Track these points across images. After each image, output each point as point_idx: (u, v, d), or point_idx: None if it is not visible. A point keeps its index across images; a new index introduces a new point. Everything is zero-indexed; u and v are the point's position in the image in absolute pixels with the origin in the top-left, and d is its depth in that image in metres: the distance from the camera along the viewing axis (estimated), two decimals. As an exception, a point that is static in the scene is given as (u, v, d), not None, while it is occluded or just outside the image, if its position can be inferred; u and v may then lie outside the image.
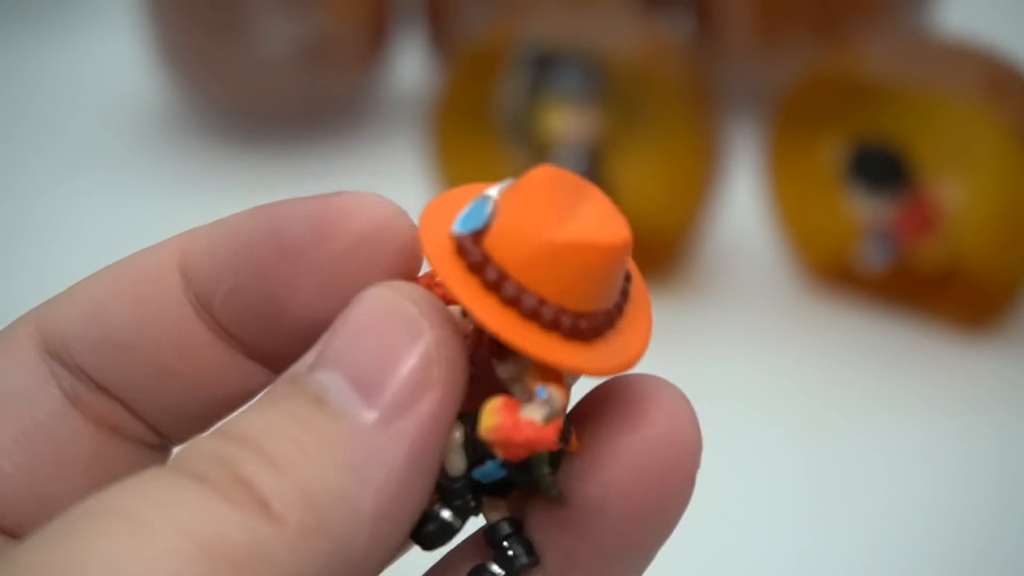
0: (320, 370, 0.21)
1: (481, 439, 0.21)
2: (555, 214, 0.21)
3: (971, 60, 0.55)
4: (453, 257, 0.21)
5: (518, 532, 0.23)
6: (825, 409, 0.53)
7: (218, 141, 0.69)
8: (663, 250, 0.58)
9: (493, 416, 0.21)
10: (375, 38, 0.68)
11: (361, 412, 0.20)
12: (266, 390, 0.21)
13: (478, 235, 0.21)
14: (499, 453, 0.21)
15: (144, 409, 0.24)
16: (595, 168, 0.55)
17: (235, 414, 0.21)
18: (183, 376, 0.23)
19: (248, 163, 0.67)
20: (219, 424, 0.21)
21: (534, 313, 0.21)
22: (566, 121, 0.56)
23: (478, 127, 0.58)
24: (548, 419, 0.21)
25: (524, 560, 0.23)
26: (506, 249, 0.21)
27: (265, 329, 0.23)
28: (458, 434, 0.22)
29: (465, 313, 0.22)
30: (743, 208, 0.60)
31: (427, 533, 0.22)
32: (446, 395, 0.21)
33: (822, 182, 0.56)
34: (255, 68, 0.65)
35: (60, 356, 0.23)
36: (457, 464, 0.22)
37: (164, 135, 0.70)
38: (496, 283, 0.21)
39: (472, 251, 0.21)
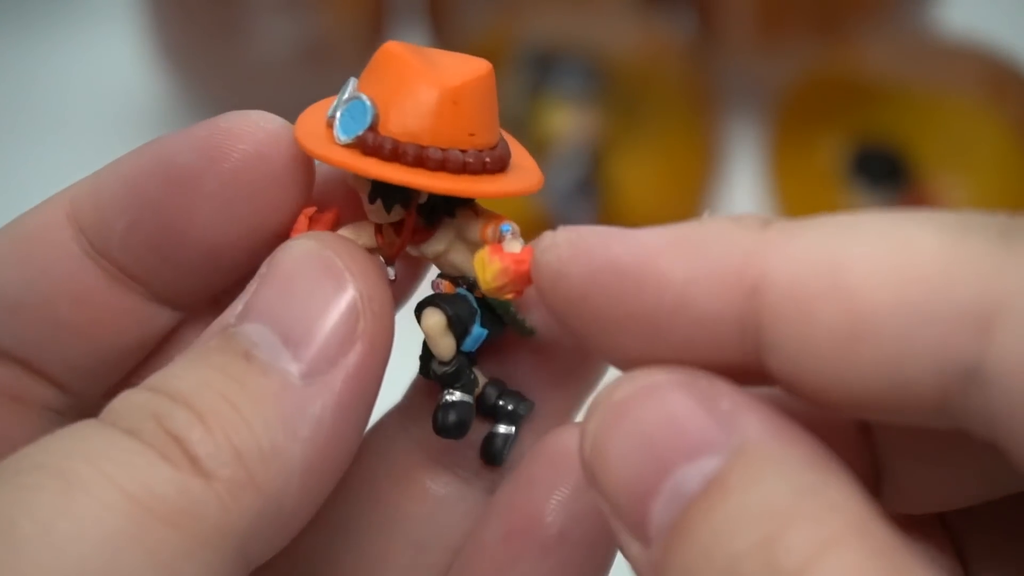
0: (247, 322, 0.21)
1: (489, 290, 0.22)
2: (430, 73, 0.22)
3: (972, 60, 0.55)
4: (355, 154, 0.22)
5: (505, 389, 0.24)
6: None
7: (218, 141, 0.69)
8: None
9: (492, 264, 0.22)
10: (375, 38, 0.68)
11: (289, 366, 0.20)
12: (197, 340, 0.21)
13: (374, 128, 0.22)
14: (507, 294, 0.22)
15: (47, 367, 0.23)
16: (595, 167, 0.55)
17: (166, 368, 0.21)
18: (82, 327, 0.23)
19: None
20: (150, 378, 0.20)
21: (444, 162, 0.22)
22: (566, 121, 0.56)
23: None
24: (522, 246, 0.22)
25: (522, 409, 0.24)
26: (404, 123, 0.22)
27: (166, 263, 0.23)
28: (438, 318, 0.23)
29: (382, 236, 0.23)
30: (743, 207, 0.60)
31: (451, 424, 0.23)
32: (373, 348, 0.21)
33: (823, 181, 0.56)
34: (255, 68, 0.65)
35: None
36: (448, 346, 0.23)
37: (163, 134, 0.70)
38: (401, 151, 0.21)
39: (382, 141, 0.21)
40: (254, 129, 0.23)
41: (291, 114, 0.22)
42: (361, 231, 0.23)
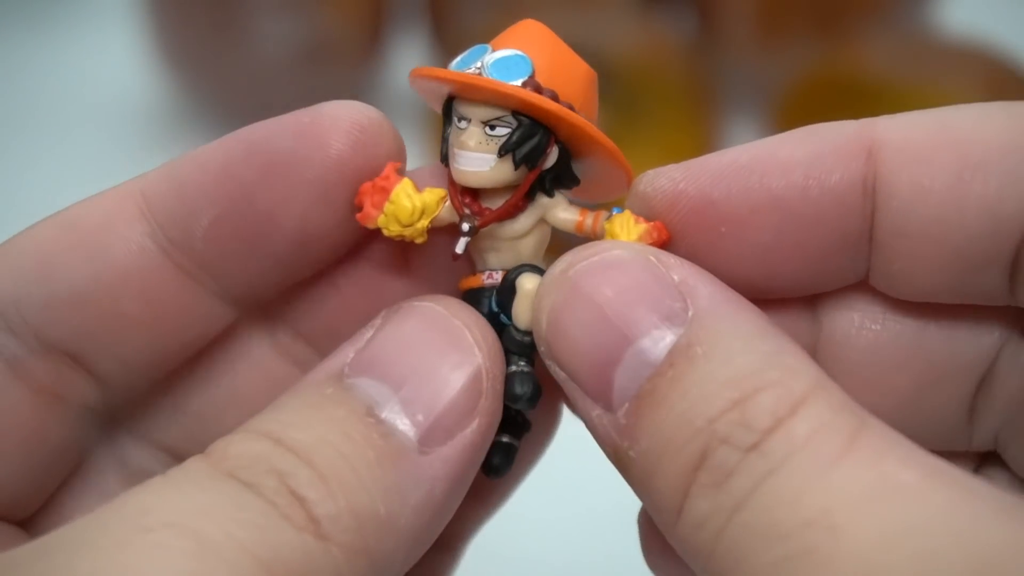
0: (366, 376, 0.21)
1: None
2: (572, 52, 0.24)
3: (972, 59, 0.55)
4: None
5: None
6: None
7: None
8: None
9: (638, 225, 0.23)
10: (375, 37, 0.68)
11: (408, 432, 0.20)
12: (307, 378, 0.21)
13: (533, 77, 0.22)
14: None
15: (98, 362, 0.23)
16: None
17: (279, 411, 0.20)
18: (144, 323, 0.23)
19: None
20: (262, 423, 0.20)
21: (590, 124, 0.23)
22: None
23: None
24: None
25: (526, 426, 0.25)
26: (556, 85, 0.23)
27: (253, 254, 0.23)
28: (532, 285, 0.23)
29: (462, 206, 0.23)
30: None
31: (529, 394, 0.23)
32: (489, 424, 0.21)
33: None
34: (255, 68, 0.65)
35: (7, 319, 0.23)
36: (528, 317, 0.23)
37: (164, 135, 0.70)
38: (564, 103, 0.22)
39: (544, 90, 0.22)
40: (359, 117, 0.22)
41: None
42: (436, 194, 0.23)
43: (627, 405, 0.20)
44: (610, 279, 0.20)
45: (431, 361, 0.21)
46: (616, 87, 0.55)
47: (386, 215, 0.22)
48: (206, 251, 0.23)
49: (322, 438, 0.20)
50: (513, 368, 0.23)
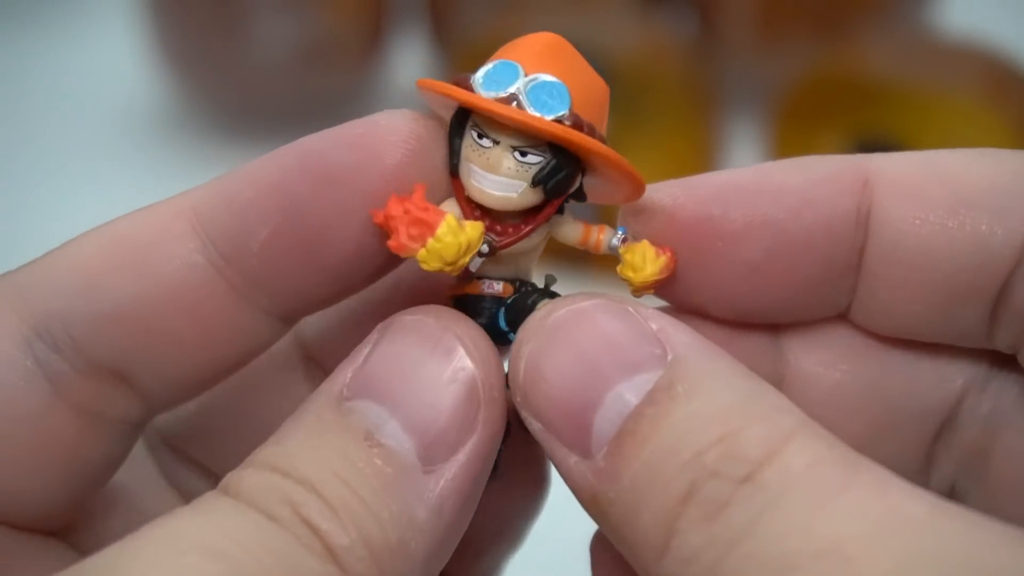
0: (363, 398, 0.20)
1: (646, 284, 0.23)
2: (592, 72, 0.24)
3: (972, 59, 0.55)
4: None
5: None
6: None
7: (218, 140, 0.68)
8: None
9: (660, 257, 0.23)
10: (375, 37, 0.68)
11: (409, 452, 0.20)
12: (307, 403, 0.21)
13: (571, 109, 0.22)
14: (652, 289, 0.23)
15: (143, 379, 0.23)
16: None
17: (281, 440, 0.20)
18: (191, 341, 0.23)
19: (248, 162, 0.67)
20: (268, 454, 0.20)
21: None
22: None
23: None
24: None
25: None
26: (585, 110, 0.23)
27: (308, 267, 0.23)
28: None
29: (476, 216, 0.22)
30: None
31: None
32: (491, 434, 0.21)
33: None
34: (255, 68, 0.65)
35: (52, 335, 0.22)
36: None
37: (164, 134, 0.70)
38: (598, 136, 0.23)
39: (583, 123, 0.22)
40: (415, 127, 0.22)
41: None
42: (477, 228, 0.23)
43: (606, 448, 0.20)
44: (589, 327, 0.21)
45: (425, 377, 0.21)
46: (616, 87, 0.55)
47: (429, 251, 0.21)
48: (260, 267, 0.22)
49: (326, 467, 0.20)
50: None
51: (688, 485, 0.19)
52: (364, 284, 0.23)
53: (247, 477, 0.20)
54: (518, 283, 0.23)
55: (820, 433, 0.19)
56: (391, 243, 0.21)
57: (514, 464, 0.24)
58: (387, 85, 0.72)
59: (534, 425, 0.21)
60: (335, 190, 0.22)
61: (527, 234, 0.23)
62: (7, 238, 0.63)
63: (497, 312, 0.23)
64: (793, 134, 0.57)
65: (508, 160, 0.22)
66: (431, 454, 0.20)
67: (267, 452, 0.20)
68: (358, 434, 0.20)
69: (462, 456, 0.20)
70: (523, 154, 0.22)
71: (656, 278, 0.23)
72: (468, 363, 0.21)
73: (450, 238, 0.21)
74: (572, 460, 0.20)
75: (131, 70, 0.71)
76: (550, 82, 0.22)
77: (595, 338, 0.20)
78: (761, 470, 0.18)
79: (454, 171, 0.23)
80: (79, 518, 0.24)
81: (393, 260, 0.23)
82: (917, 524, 0.17)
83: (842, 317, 0.24)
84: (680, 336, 0.20)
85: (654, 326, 0.21)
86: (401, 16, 0.70)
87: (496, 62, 0.22)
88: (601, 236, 0.24)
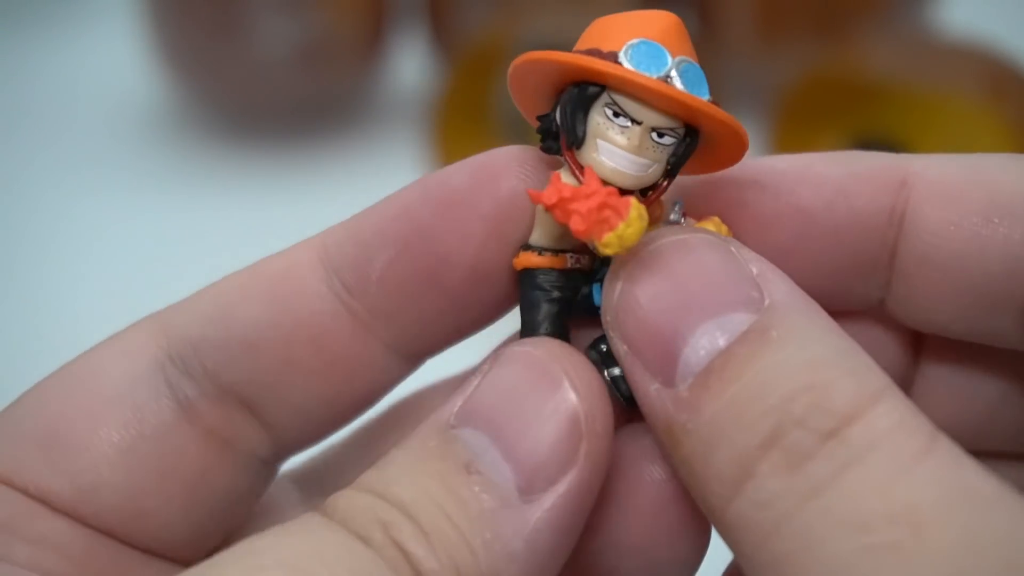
0: (467, 426, 0.21)
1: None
2: None
3: (972, 59, 0.55)
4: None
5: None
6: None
7: (218, 140, 0.68)
8: None
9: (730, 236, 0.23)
10: (374, 37, 0.68)
11: (508, 483, 0.20)
12: (414, 434, 0.21)
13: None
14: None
15: (269, 409, 0.24)
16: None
17: (385, 465, 0.21)
18: (316, 372, 0.23)
19: (248, 162, 0.67)
20: (370, 477, 0.20)
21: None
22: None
23: (478, 126, 0.58)
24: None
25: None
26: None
27: (428, 293, 0.23)
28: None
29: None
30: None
31: (629, 394, 0.22)
32: (593, 469, 0.21)
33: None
34: (255, 68, 0.65)
35: (184, 360, 0.23)
36: None
37: (164, 135, 0.70)
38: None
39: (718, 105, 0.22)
40: (529, 155, 0.23)
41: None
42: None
43: (691, 379, 0.20)
44: (690, 259, 0.21)
45: (528, 409, 0.21)
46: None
47: (619, 236, 0.21)
48: (380, 294, 0.23)
49: (424, 492, 0.20)
50: (619, 371, 0.23)
51: (771, 429, 0.19)
52: (481, 316, 0.24)
53: (344, 498, 0.20)
54: (596, 259, 0.23)
55: (905, 399, 0.19)
56: (576, 227, 0.21)
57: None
58: (387, 85, 0.72)
59: (620, 348, 0.21)
60: (453, 214, 0.23)
61: (651, 203, 0.23)
62: (7, 238, 0.63)
63: (590, 287, 0.23)
64: (793, 134, 0.57)
65: (647, 140, 0.22)
66: (530, 486, 0.20)
67: (369, 475, 0.21)
68: (459, 462, 0.20)
69: (561, 488, 0.20)
70: (660, 135, 0.22)
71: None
72: (572, 395, 0.21)
73: (640, 223, 0.21)
74: (653, 387, 0.20)
75: (131, 70, 0.71)
76: (694, 66, 0.22)
77: (695, 271, 0.21)
78: (848, 426, 0.19)
79: (576, 145, 0.22)
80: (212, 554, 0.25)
81: (511, 284, 0.23)
82: (987, 501, 0.18)
83: (876, 311, 0.24)
84: (779, 283, 0.21)
85: (755, 269, 0.21)
86: (401, 16, 0.70)
87: (639, 40, 0.22)
88: (663, 189, 0.23)
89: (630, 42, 0.22)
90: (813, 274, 0.23)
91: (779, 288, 0.20)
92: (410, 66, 0.72)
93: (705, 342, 0.20)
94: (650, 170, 0.22)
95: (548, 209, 0.21)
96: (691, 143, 0.23)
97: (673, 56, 0.22)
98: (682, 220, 0.23)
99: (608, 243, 0.21)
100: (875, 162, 0.23)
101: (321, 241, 0.24)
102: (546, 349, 0.21)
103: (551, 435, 0.20)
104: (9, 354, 0.53)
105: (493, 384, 0.21)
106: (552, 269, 0.23)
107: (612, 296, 0.21)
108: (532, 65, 0.22)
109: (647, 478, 0.23)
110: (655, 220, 0.23)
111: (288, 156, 0.67)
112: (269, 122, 0.69)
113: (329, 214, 0.25)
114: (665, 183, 0.23)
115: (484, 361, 0.22)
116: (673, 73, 0.22)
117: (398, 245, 0.23)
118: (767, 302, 0.20)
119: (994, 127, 0.52)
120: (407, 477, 0.20)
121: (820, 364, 0.19)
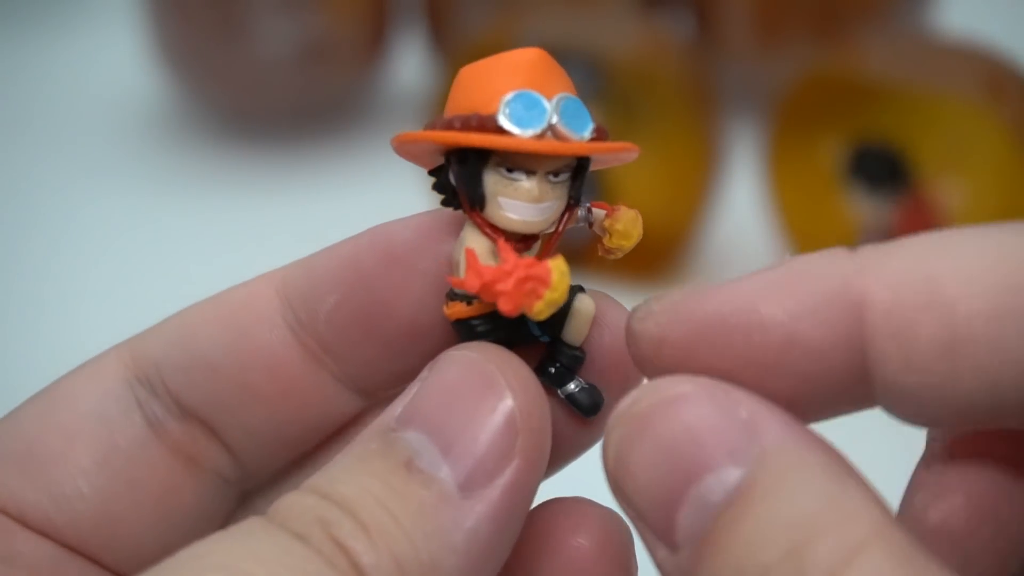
0: (409, 428, 0.21)
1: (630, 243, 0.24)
2: None
3: (971, 60, 0.55)
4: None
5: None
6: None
7: (218, 141, 0.69)
8: (663, 249, 0.58)
9: (638, 220, 0.24)
10: (375, 38, 0.68)
11: (448, 478, 0.21)
12: (357, 439, 0.22)
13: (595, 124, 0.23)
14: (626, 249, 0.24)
15: (228, 431, 0.25)
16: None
17: (328, 468, 0.21)
18: (270, 398, 0.25)
19: (248, 162, 0.67)
20: (313, 480, 0.21)
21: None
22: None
23: (478, 127, 0.58)
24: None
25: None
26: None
27: (368, 339, 0.24)
28: (591, 306, 0.23)
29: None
30: (743, 208, 0.60)
31: (595, 403, 0.24)
32: (530, 464, 0.21)
33: (822, 182, 0.56)
34: (255, 68, 0.65)
35: (150, 380, 0.25)
36: (586, 332, 0.23)
37: (164, 135, 0.70)
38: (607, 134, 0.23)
39: (603, 128, 0.23)
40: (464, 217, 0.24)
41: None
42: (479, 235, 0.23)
43: (689, 548, 0.20)
44: (674, 420, 0.20)
45: (465, 407, 0.21)
46: (614, 88, 0.55)
47: (546, 303, 0.21)
48: (327, 333, 0.24)
49: (365, 490, 0.20)
50: (572, 387, 0.24)
51: None
52: (420, 361, 0.24)
53: (286, 500, 0.21)
54: None
55: (892, 544, 0.18)
56: (505, 307, 0.22)
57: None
58: (387, 87, 0.72)
59: (628, 512, 0.21)
60: (396, 267, 0.24)
61: (556, 239, 0.23)
62: (6, 237, 0.63)
63: (525, 320, 0.23)
64: (792, 136, 0.57)
65: (544, 185, 0.22)
66: (469, 481, 0.21)
67: (313, 478, 0.21)
68: (399, 460, 0.21)
69: (500, 483, 0.21)
70: (555, 175, 0.23)
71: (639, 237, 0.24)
72: (506, 393, 0.21)
73: (564, 281, 0.22)
74: (661, 553, 0.20)
75: (131, 70, 0.71)
76: (570, 100, 0.22)
77: (680, 432, 0.20)
78: None
79: (478, 207, 0.23)
80: None
81: (450, 334, 0.24)
82: None
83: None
84: (771, 425, 0.20)
85: (744, 413, 0.20)
86: (401, 17, 0.70)
87: (514, 95, 0.22)
88: (574, 215, 0.24)
89: (505, 98, 0.22)
90: (789, 405, 0.22)
91: (770, 430, 0.20)
92: (410, 66, 0.72)
93: (697, 505, 0.20)
94: (553, 211, 0.23)
95: (475, 294, 0.22)
96: (584, 167, 0.23)
97: (548, 98, 0.22)
98: (590, 216, 0.24)
99: (539, 311, 0.22)
100: (823, 288, 0.21)
101: (281, 275, 0.25)
102: (480, 351, 0.22)
103: (487, 431, 0.21)
104: (9, 354, 0.53)
105: (431, 387, 0.22)
106: (483, 315, 0.23)
107: (608, 462, 0.21)
108: (415, 145, 0.23)
109: (571, 545, 0.23)
110: (570, 222, 0.24)
111: (288, 156, 0.68)
112: (269, 122, 0.69)
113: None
114: (569, 211, 0.23)
115: (424, 368, 0.22)
116: (555, 120, 0.22)
117: (344, 289, 0.24)
118: (757, 452, 0.20)
119: (993, 128, 0.52)
120: (348, 477, 0.21)
121: (801, 522, 0.19)
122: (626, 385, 0.24)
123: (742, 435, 0.20)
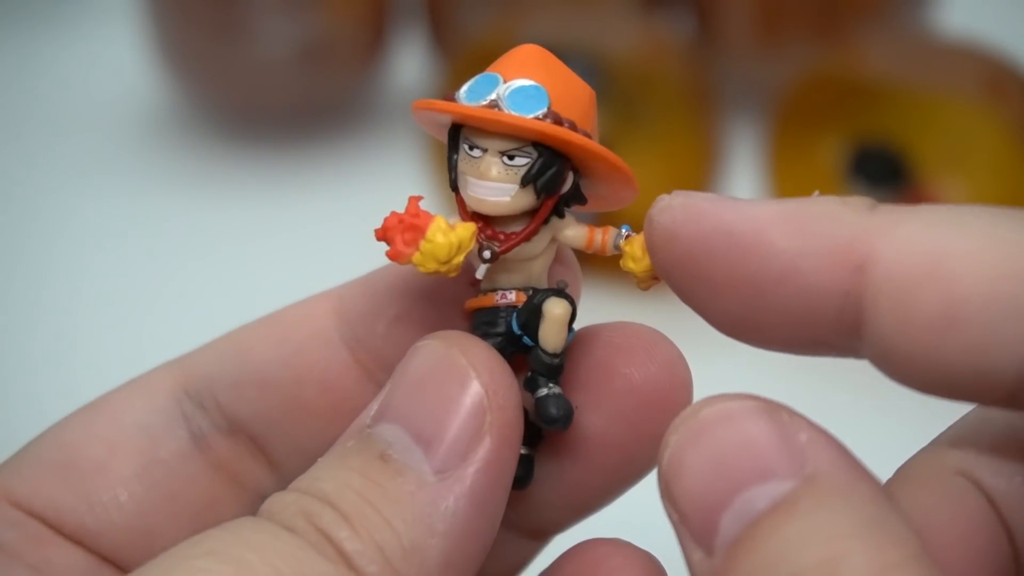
0: (382, 423, 0.22)
1: (650, 275, 0.23)
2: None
3: (971, 60, 0.55)
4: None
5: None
6: (826, 407, 0.53)
7: (218, 141, 0.69)
8: None
9: (645, 256, 0.23)
10: (375, 38, 0.68)
11: (422, 464, 0.21)
12: (338, 440, 0.22)
13: (551, 108, 0.23)
14: (650, 281, 0.24)
15: (276, 447, 0.25)
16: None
17: (311, 469, 0.22)
18: (322, 412, 0.25)
19: (248, 162, 0.67)
20: (297, 480, 0.22)
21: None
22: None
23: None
24: None
25: (559, 421, 0.24)
26: (567, 111, 0.23)
27: None
28: (566, 309, 0.23)
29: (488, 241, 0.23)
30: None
31: (561, 415, 0.23)
32: (501, 440, 0.22)
33: (822, 181, 0.56)
34: (255, 68, 0.65)
35: (200, 395, 0.25)
36: (563, 339, 0.24)
37: (164, 135, 0.70)
38: (580, 131, 0.23)
39: (563, 120, 0.23)
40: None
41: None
42: (469, 229, 0.23)
43: (724, 551, 0.20)
44: (733, 431, 0.21)
45: (432, 393, 0.22)
46: (615, 88, 0.55)
47: (423, 254, 0.23)
48: (385, 347, 0.25)
49: (345, 484, 0.21)
50: (544, 391, 0.24)
51: None
52: None
53: (272, 498, 0.21)
54: (531, 291, 0.24)
55: (926, 569, 0.19)
56: (389, 253, 0.23)
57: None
58: (387, 87, 0.72)
59: (671, 515, 0.21)
60: (453, 280, 0.24)
61: (526, 235, 0.23)
62: (6, 237, 0.63)
63: (511, 319, 0.24)
64: (792, 135, 0.57)
65: (497, 165, 0.23)
66: (443, 464, 0.21)
67: (297, 479, 0.22)
68: (374, 453, 0.21)
69: (474, 462, 0.21)
70: (510, 157, 0.23)
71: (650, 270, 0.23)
72: (471, 374, 0.22)
73: (440, 238, 0.22)
74: (696, 556, 0.21)
75: (131, 70, 0.71)
76: (527, 85, 0.23)
77: (737, 442, 0.21)
78: None
79: (454, 186, 0.24)
80: None
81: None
82: None
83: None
84: (826, 452, 0.20)
85: (803, 437, 0.20)
86: (401, 17, 0.70)
87: (478, 76, 0.23)
88: (606, 237, 0.24)
89: (474, 78, 0.23)
90: (773, 340, 0.23)
91: (824, 457, 0.20)
92: (410, 66, 0.72)
93: (742, 511, 0.20)
94: (511, 194, 0.23)
95: (379, 239, 0.23)
96: (548, 160, 0.23)
97: (506, 80, 0.23)
98: (623, 238, 0.24)
99: (419, 263, 0.22)
100: (832, 237, 0.21)
101: (338, 292, 0.26)
102: (443, 338, 0.23)
103: (456, 414, 0.22)
104: (9, 354, 0.53)
105: (400, 381, 0.22)
106: (483, 307, 0.24)
107: (662, 463, 0.21)
108: (417, 115, 0.24)
109: None
110: (602, 248, 0.24)
111: (288, 156, 0.68)
112: (269, 122, 0.69)
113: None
114: (544, 207, 0.23)
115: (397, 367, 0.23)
116: (495, 96, 0.23)
117: (405, 303, 0.25)
118: (809, 472, 0.20)
119: (993, 128, 0.52)
120: (328, 474, 0.21)
121: (839, 536, 0.19)
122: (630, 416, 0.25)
123: (797, 454, 0.20)
